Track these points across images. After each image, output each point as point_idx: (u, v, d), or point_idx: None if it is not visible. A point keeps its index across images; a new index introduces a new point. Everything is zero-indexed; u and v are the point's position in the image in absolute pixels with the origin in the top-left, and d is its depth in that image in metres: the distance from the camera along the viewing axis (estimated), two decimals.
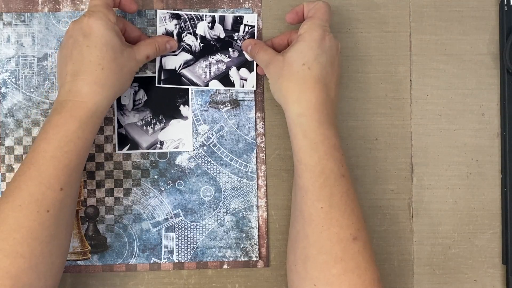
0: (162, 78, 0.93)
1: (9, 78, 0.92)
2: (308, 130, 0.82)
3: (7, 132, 0.92)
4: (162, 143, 0.93)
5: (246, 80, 0.93)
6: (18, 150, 0.92)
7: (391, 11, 0.95)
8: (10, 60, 0.93)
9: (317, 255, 0.79)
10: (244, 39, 0.93)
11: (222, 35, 0.94)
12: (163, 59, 0.93)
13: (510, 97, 0.93)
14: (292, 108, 0.83)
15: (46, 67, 0.93)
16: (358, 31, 0.95)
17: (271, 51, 0.88)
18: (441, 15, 0.95)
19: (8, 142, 0.92)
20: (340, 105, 0.94)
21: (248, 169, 0.93)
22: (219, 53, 0.94)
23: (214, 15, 0.93)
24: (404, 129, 0.95)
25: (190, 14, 0.93)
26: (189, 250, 0.93)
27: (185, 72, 0.93)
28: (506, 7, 0.93)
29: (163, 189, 0.93)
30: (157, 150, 0.93)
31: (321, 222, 0.80)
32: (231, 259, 0.93)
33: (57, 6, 0.93)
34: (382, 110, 0.95)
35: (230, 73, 0.94)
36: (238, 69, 0.94)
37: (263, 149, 0.93)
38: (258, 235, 0.93)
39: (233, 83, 0.94)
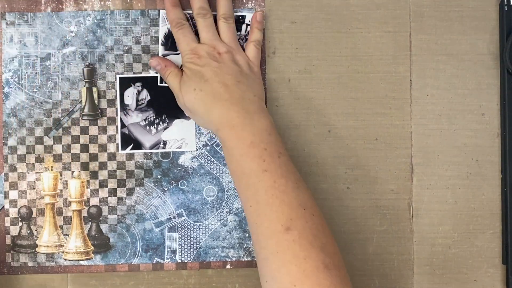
0: None
1: (12, 78, 0.93)
2: (224, 139, 0.84)
3: (10, 132, 0.92)
4: (165, 143, 0.93)
5: None
6: (21, 150, 0.92)
7: (391, 11, 0.95)
8: (13, 60, 0.93)
9: (259, 252, 0.80)
10: (246, 39, 0.93)
11: None
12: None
13: (510, 97, 0.92)
14: (211, 129, 0.87)
15: (49, 67, 0.93)
16: (358, 31, 0.95)
17: (179, 79, 0.90)
18: (441, 15, 0.95)
19: (11, 142, 0.92)
20: (340, 105, 0.94)
21: None
22: None
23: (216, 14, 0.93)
24: (404, 129, 0.94)
25: (192, 13, 0.93)
26: (192, 250, 0.93)
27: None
28: (506, 7, 0.93)
29: (166, 189, 0.93)
30: (160, 150, 0.93)
31: (254, 219, 0.80)
32: (234, 259, 0.93)
33: (60, 6, 0.93)
34: (382, 110, 0.94)
35: None
36: None
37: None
38: None
39: None
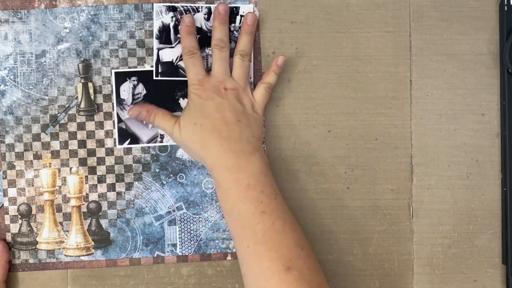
0: (160, 71, 0.93)
1: (7, 76, 0.92)
2: (219, 179, 0.84)
3: (7, 129, 0.92)
4: (162, 136, 0.93)
5: None
6: (19, 148, 0.92)
7: (391, 11, 0.94)
8: (8, 57, 0.92)
9: None
10: (239, 29, 0.93)
11: None
12: (160, 52, 0.93)
13: (510, 97, 0.93)
14: (205, 165, 0.87)
15: (44, 63, 0.93)
16: (358, 31, 0.94)
17: (168, 117, 0.90)
18: (441, 15, 0.94)
19: (9, 139, 0.92)
20: (340, 105, 0.94)
21: None
22: None
23: (210, 7, 0.93)
24: (404, 129, 0.94)
25: (186, 6, 0.93)
26: (192, 242, 0.94)
27: (182, 64, 0.93)
28: (506, 7, 0.92)
29: (165, 182, 0.94)
30: (157, 144, 0.93)
31: (251, 259, 0.81)
32: (234, 250, 0.94)
33: (53, 3, 0.92)
34: (382, 110, 0.94)
35: None
36: None
37: (263, 141, 0.93)
38: None
39: None
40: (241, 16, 0.93)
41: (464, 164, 0.95)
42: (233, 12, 0.93)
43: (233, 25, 0.93)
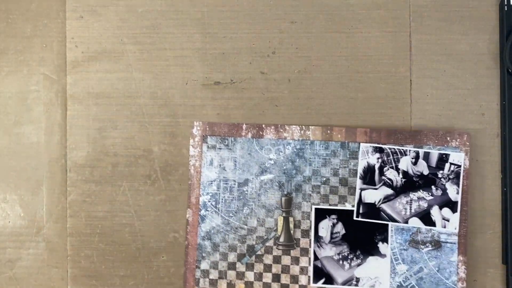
0: (361, 211, 0.92)
1: (209, 201, 0.93)
2: None
3: (203, 255, 0.92)
4: (358, 280, 0.91)
5: (448, 220, 0.91)
6: (213, 275, 0.92)
7: (391, 11, 0.93)
8: (211, 183, 0.93)
9: None
10: (449, 178, 0.91)
11: (426, 172, 0.92)
12: (363, 192, 0.91)
13: (510, 97, 0.90)
14: None
15: (246, 192, 0.93)
16: (358, 31, 0.94)
17: None
18: (441, 15, 0.93)
19: (204, 265, 0.92)
20: (340, 105, 0.93)
21: None
22: (421, 190, 0.92)
23: (418, 151, 0.91)
24: (404, 129, 0.92)
25: (394, 149, 0.91)
26: None
27: (384, 207, 0.91)
28: (506, 7, 0.91)
29: None
30: (352, 287, 0.91)
31: None
32: None
33: (260, 133, 0.93)
34: (382, 110, 0.93)
35: (431, 211, 0.91)
36: (441, 208, 0.91)
37: None
38: None
39: (435, 222, 0.91)
40: (451, 164, 0.91)
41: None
42: (442, 159, 0.91)
43: (441, 172, 0.91)
